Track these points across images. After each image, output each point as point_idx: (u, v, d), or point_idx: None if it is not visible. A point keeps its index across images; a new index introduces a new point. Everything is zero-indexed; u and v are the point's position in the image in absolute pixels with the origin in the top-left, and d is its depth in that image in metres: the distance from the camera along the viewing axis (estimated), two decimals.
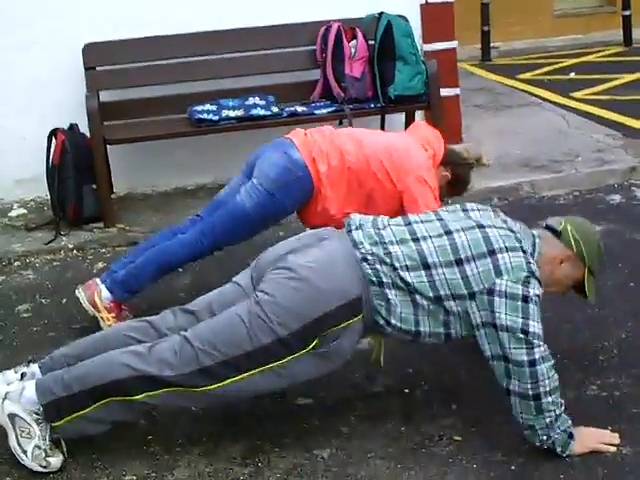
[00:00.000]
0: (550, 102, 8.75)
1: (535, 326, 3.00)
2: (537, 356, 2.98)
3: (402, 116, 6.43)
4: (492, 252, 3.06)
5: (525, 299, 3.00)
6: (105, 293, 4.23)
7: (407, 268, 3.07)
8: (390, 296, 3.07)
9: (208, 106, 5.91)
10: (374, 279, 3.07)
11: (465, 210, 3.31)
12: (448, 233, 3.14)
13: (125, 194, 6.42)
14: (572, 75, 10.25)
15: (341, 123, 5.87)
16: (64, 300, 4.70)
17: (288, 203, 4.21)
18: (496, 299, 3.00)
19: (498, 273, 3.02)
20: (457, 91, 6.95)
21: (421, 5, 6.70)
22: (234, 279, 3.37)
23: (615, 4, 12.63)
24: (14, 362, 3.46)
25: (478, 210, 3.31)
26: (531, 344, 2.98)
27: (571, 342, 3.93)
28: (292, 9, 6.35)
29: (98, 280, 4.30)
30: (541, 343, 3.00)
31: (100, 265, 5.21)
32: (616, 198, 5.93)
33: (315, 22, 6.30)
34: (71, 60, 6.05)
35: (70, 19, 6.18)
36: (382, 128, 5.96)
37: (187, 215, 5.86)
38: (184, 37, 6.19)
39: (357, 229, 3.21)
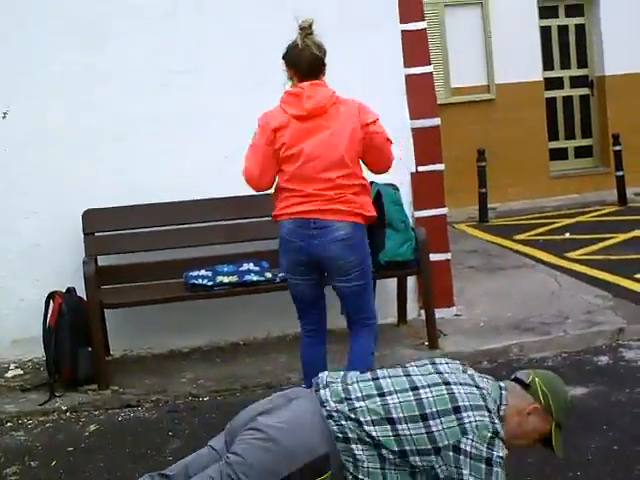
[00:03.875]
0: (544, 263, 8.90)
1: None
2: None
3: (394, 281, 6.58)
4: (457, 409, 3.13)
5: (488, 462, 3.05)
6: None
7: (372, 423, 3.13)
8: (357, 451, 3.12)
9: (203, 272, 6.05)
10: (340, 435, 3.13)
11: (434, 364, 3.39)
12: (414, 389, 3.22)
13: (121, 355, 6.52)
14: (567, 235, 10.45)
15: None
16: (53, 463, 4.74)
17: None
18: (461, 457, 3.06)
19: (463, 432, 3.08)
20: (448, 256, 7.06)
21: (412, 173, 6.90)
22: (209, 443, 3.43)
23: (609, 165, 12.98)
24: None
25: (447, 364, 3.39)
26: None
27: None
28: None
29: None
30: None
31: (92, 428, 5.24)
32: (604, 359, 5.99)
33: None
34: (70, 226, 6.26)
35: (69, 187, 6.41)
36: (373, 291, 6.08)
37: (181, 379, 5.96)
38: (180, 205, 6.40)
39: (324, 387, 3.29)
